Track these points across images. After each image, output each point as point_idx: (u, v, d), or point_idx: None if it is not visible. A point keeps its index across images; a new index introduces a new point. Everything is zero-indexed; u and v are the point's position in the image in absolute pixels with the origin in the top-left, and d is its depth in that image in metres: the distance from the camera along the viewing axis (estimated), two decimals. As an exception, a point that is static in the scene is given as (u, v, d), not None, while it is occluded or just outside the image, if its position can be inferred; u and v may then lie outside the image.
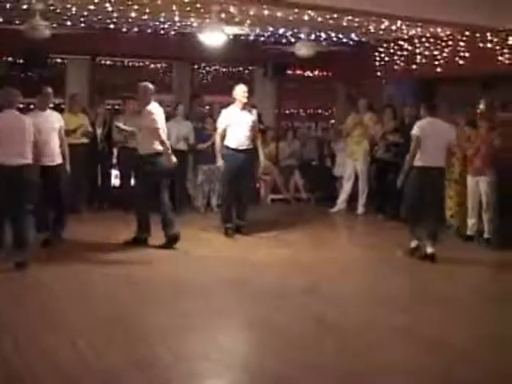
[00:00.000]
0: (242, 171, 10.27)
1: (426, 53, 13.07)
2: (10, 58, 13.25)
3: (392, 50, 13.86)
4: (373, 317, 6.63)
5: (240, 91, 10.30)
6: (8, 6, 10.36)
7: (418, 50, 13.25)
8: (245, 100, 10.30)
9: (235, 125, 10.22)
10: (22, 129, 8.36)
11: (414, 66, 13.32)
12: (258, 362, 5.56)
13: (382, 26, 11.80)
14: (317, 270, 8.59)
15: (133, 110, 11.36)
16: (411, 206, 9.09)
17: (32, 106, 10.49)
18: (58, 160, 9.35)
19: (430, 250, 8.99)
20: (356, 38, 13.40)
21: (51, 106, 9.67)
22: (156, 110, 9.48)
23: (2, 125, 8.29)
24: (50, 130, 9.27)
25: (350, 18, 10.96)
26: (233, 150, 10.23)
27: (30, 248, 8.35)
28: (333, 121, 15.53)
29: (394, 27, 11.86)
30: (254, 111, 10.75)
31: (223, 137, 10.29)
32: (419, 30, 12.25)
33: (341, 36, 13.15)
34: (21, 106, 13.00)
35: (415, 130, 9.04)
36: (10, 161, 8.15)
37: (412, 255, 9.18)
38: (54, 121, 9.34)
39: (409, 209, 9.15)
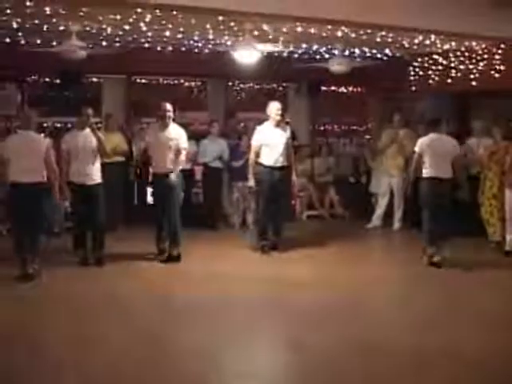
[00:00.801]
0: (277, 188, 10.25)
1: (461, 67, 12.99)
2: (46, 79, 13.41)
3: (426, 65, 13.80)
4: (412, 338, 6.52)
5: (273, 108, 10.28)
6: (45, 27, 10.51)
7: (452, 64, 13.18)
8: (278, 117, 10.28)
9: (269, 142, 10.21)
10: (35, 149, 8.61)
11: (449, 80, 13.24)
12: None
13: (416, 41, 11.76)
14: (354, 288, 8.51)
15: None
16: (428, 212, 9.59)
17: (69, 126, 10.66)
18: (97, 179, 9.44)
19: (436, 258, 9.47)
20: (390, 53, 13.37)
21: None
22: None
23: (11, 145, 8.67)
24: (88, 150, 9.35)
25: (383, 33, 10.95)
26: (268, 167, 10.21)
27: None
28: (368, 136, 15.47)
29: (428, 41, 11.81)
30: (288, 128, 10.73)
31: (257, 154, 10.28)
32: (454, 43, 12.18)
33: (375, 51, 13.13)
34: (58, 125, 13.38)
35: (416, 147, 9.71)
36: (22, 178, 8.46)
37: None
38: (92, 140, 9.41)
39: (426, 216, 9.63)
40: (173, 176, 9.57)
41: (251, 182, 10.30)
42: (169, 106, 9.68)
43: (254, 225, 11.28)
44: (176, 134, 9.77)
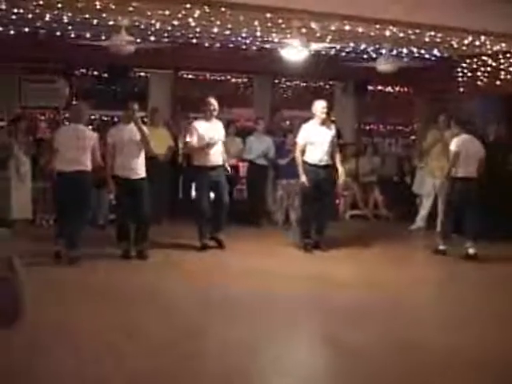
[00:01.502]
0: (321, 187, 10.22)
1: (511, 69, 12.82)
2: (95, 72, 13.56)
3: (475, 66, 13.65)
4: (450, 337, 6.48)
5: (319, 107, 10.25)
6: (95, 21, 10.62)
7: (502, 66, 13.01)
8: (324, 116, 10.25)
9: (314, 140, 10.19)
10: (82, 142, 9.00)
11: (498, 82, 13.08)
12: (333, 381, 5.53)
13: (466, 42, 11.63)
14: (396, 288, 8.46)
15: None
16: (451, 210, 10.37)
17: (116, 119, 10.76)
18: (141, 173, 9.52)
19: (472, 250, 10.02)
20: (438, 54, 13.25)
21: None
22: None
23: (59, 137, 9.13)
24: (133, 144, 9.44)
25: (432, 33, 10.86)
26: (312, 165, 10.20)
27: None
28: (413, 137, 15.36)
29: (477, 42, 11.68)
30: (333, 126, 10.68)
31: (303, 152, 10.28)
32: (504, 45, 12.02)
33: (423, 51, 13.02)
34: (105, 118, 13.52)
35: (454, 146, 10.12)
36: (67, 168, 8.90)
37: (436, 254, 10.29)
38: (137, 135, 9.49)
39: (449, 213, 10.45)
40: (227, 168, 10.21)
41: (303, 178, 10.17)
42: (214, 101, 9.85)
43: (298, 223, 11.27)
44: (218, 128, 10.09)
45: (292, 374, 5.50)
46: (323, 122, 10.28)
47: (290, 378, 5.42)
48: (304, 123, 10.52)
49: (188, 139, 10.17)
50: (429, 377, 5.52)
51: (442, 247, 10.38)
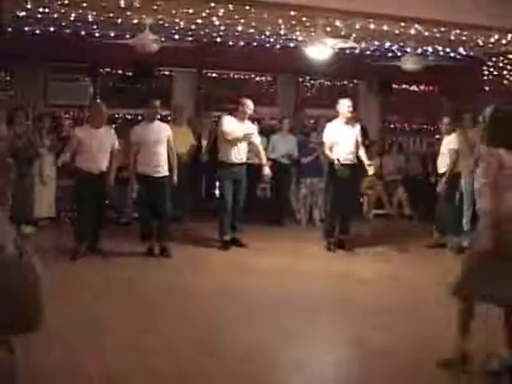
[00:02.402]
0: (346, 186, 10.19)
1: (538, 67, 12.72)
2: (119, 71, 13.61)
3: (501, 64, 13.52)
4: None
5: (344, 106, 10.22)
6: (119, 20, 10.66)
7: (528, 65, 12.92)
8: (349, 114, 10.22)
9: (339, 139, 10.17)
10: (102, 143, 9.17)
11: (524, 81, 12.99)
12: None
13: (492, 40, 11.53)
14: (419, 288, 8.40)
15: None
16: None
17: (140, 118, 10.77)
18: (164, 172, 9.54)
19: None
20: (464, 52, 13.15)
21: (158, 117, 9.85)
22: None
23: (80, 136, 9.20)
24: (157, 142, 9.47)
25: (457, 31, 10.78)
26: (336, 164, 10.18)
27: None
28: (438, 136, 15.25)
29: (504, 41, 11.57)
30: (358, 125, 10.62)
31: (331, 150, 10.25)
32: (531, 43, 11.93)
33: (448, 50, 12.93)
34: (129, 116, 13.57)
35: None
36: (88, 168, 9.07)
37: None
38: (160, 132, 9.54)
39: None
40: (266, 170, 10.28)
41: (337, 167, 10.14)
42: (249, 102, 9.93)
43: (321, 221, 11.22)
44: (251, 128, 10.14)
45: (312, 372, 5.48)
46: (348, 121, 10.25)
47: (310, 377, 5.40)
48: (328, 122, 10.50)
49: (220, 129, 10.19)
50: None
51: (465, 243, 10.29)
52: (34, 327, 2.16)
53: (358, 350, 6.12)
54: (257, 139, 10.29)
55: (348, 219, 10.52)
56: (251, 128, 10.20)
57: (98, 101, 10.56)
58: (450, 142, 10.94)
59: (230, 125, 9.96)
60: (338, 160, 10.07)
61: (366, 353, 5.99)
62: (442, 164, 10.91)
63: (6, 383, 2.16)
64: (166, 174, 9.54)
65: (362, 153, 10.36)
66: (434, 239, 10.96)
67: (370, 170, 10.43)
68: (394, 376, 5.45)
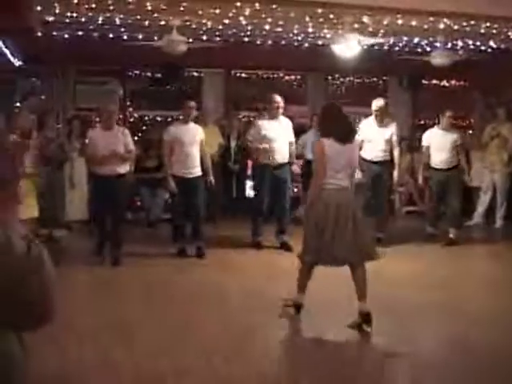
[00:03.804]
0: (377, 183, 10.16)
1: None
2: (148, 73, 13.64)
3: (533, 57, 13.34)
4: (493, 333, 6.34)
5: (375, 105, 10.27)
6: (146, 22, 10.68)
7: (561, 57, 12.72)
8: (379, 114, 10.21)
9: (371, 138, 10.17)
10: (112, 142, 9.05)
11: (557, 74, 12.79)
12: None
13: (523, 32, 11.39)
14: (453, 285, 8.32)
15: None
16: None
17: (170, 119, 10.79)
18: (198, 172, 9.54)
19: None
20: (494, 46, 12.97)
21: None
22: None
23: (93, 139, 9.19)
24: (191, 143, 9.49)
25: (488, 24, 10.64)
26: (368, 161, 10.17)
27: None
28: (470, 131, 15.10)
29: (535, 33, 11.42)
30: (394, 125, 10.51)
31: (360, 148, 10.21)
32: None
33: (478, 43, 12.77)
34: (158, 118, 13.61)
35: None
36: (105, 170, 9.02)
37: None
38: (195, 134, 9.57)
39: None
40: (295, 167, 10.40)
41: (359, 175, 10.11)
42: (278, 98, 9.81)
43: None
44: (287, 125, 10.12)
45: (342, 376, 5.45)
46: (381, 120, 10.21)
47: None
48: (364, 119, 10.56)
49: (248, 136, 10.16)
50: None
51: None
52: (43, 322, 2.17)
53: (398, 349, 6.07)
54: (291, 138, 10.22)
55: (384, 216, 10.51)
56: (287, 124, 10.15)
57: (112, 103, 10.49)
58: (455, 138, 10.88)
59: (263, 128, 9.91)
60: (365, 159, 10.04)
61: (406, 351, 5.95)
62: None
63: (16, 378, 2.17)
64: (200, 174, 9.56)
65: (395, 153, 10.35)
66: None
67: (395, 177, 10.42)
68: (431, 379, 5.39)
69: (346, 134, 6.59)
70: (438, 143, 10.77)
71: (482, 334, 6.36)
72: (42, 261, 2.10)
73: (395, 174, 10.50)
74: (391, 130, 10.37)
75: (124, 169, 9.24)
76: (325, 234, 6.37)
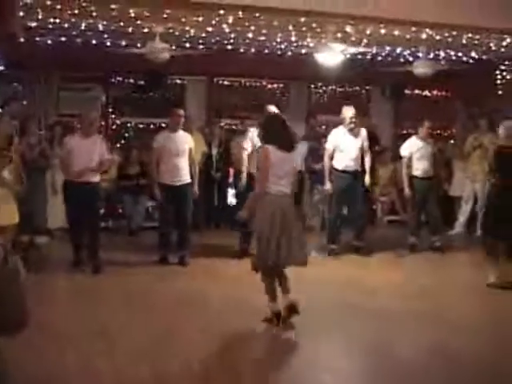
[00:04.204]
0: (350, 193, 10.19)
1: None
2: (131, 80, 13.62)
3: (515, 68, 13.44)
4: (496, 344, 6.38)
5: (347, 114, 10.25)
6: (130, 29, 10.66)
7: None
8: (352, 125, 10.23)
9: (343, 147, 10.18)
10: (89, 150, 9.05)
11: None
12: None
13: (504, 43, 11.45)
14: (434, 294, 8.35)
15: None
16: None
17: (152, 127, 10.73)
18: (186, 180, 9.54)
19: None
20: (476, 56, 13.06)
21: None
22: None
23: (70, 147, 9.17)
24: (180, 152, 9.47)
25: (469, 35, 10.72)
26: (339, 171, 10.20)
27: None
28: (452, 141, 15.17)
29: (516, 44, 11.50)
30: (363, 132, 10.52)
31: (331, 158, 10.26)
32: (544, 46, 11.83)
33: (460, 54, 12.85)
34: (141, 125, 13.58)
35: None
36: (77, 178, 9.01)
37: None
38: (183, 142, 9.57)
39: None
40: None
41: (328, 186, 10.26)
42: (273, 109, 9.76)
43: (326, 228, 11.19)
44: None
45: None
46: (352, 129, 10.23)
47: None
48: (334, 128, 10.50)
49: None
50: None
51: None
52: (18, 329, 2.22)
53: (370, 357, 6.07)
54: None
55: (362, 226, 10.54)
56: None
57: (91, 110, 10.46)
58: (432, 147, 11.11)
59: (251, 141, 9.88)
60: (336, 168, 10.10)
61: (377, 359, 5.95)
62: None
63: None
64: (189, 181, 9.56)
65: (366, 160, 10.36)
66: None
67: (367, 182, 10.44)
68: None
69: (289, 142, 6.84)
70: (419, 152, 10.84)
71: (464, 343, 6.39)
72: (18, 270, 2.14)
73: (367, 178, 10.48)
74: (362, 137, 10.39)
75: (97, 177, 9.26)
76: (273, 239, 6.57)
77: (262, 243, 6.61)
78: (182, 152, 9.49)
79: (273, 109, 9.76)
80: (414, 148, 10.91)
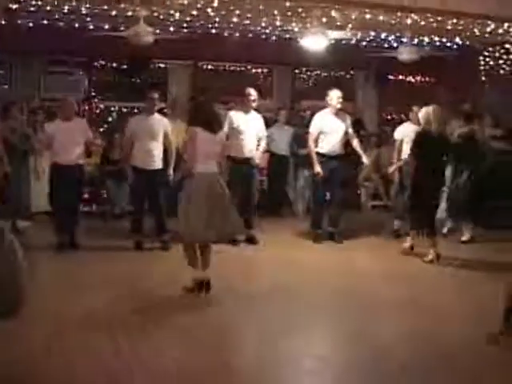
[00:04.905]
0: (333, 178, 10.10)
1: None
2: (114, 64, 13.53)
3: (497, 54, 13.45)
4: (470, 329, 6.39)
5: (334, 97, 10.11)
6: (113, 12, 10.58)
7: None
8: (339, 106, 10.12)
9: (327, 131, 10.08)
10: (72, 133, 9.21)
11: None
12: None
13: (488, 29, 11.46)
14: (420, 279, 8.36)
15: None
16: None
17: (136, 111, 10.67)
18: (159, 165, 9.47)
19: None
20: (460, 42, 13.07)
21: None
22: None
23: (54, 131, 9.29)
24: (153, 136, 9.40)
25: (454, 21, 10.71)
26: (323, 156, 10.10)
27: None
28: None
29: (500, 30, 11.50)
30: (348, 117, 10.47)
31: (316, 142, 10.16)
32: (528, 33, 11.85)
33: (444, 40, 12.85)
34: (124, 109, 13.52)
35: None
36: (63, 160, 9.20)
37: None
38: (158, 125, 9.49)
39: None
40: (257, 160, 10.03)
41: (317, 169, 10.06)
42: (253, 92, 9.76)
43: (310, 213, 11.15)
44: (259, 119, 10.08)
45: (314, 370, 5.44)
46: (337, 113, 10.15)
47: (312, 376, 5.37)
48: (318, 112, 10.41)
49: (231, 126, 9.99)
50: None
51: (465, 238, 10.61)
52: (14, 310, 2.18)
53: (355, 344, 6.08)
54: (263, 132, 10.17)
55: (338, 212, 10.41)
56: (258, 119, 10.09)
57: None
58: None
59: (239, 120, 9.85)
60: (319, 153, 10.06)
61: (361, 347, 5.96)
62: None
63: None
64: (161, 166, 9.48)
65: (356, 144, 10.26)
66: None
67: (366, 160, 10.43)
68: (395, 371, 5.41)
69: (215, 125, 7.34)
70: (409, 137, 10.78)
71: (450, 329, 6.40)
72: (15, 250, 2.11)
73: (364, 159, 10.42)
74: (347, 123, 10.26)
75: (83, 159, 9.42)
76: (202, 213, 6.98)
77: (189, 218, 6.99)
78: (156, 136, 9.41)
79: (252, 92, 9.76)
80: (406, 132, 10.82)
